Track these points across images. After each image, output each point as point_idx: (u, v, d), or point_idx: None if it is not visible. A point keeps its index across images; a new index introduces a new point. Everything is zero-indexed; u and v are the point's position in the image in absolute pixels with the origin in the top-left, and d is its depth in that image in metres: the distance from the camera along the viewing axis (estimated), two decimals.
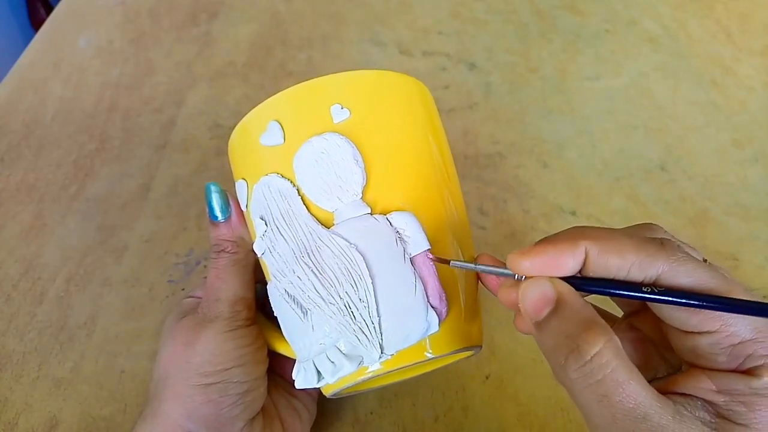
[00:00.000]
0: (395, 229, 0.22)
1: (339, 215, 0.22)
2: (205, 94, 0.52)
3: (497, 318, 0.36)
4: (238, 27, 0.59)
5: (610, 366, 0.17)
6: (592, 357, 0.17)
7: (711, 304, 0.18)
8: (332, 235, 0.22)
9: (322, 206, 0.23)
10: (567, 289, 0.19)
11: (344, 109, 0.23)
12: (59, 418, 0.32)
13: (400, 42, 0.57)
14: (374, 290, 0.22)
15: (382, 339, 0.22)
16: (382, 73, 0.25)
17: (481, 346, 0.25)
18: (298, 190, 0.23)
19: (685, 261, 0.18)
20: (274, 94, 0.24)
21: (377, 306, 0.22)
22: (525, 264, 0.20)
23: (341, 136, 0.23)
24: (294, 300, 0.23)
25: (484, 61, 0.55)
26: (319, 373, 0.23)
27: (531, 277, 0.20)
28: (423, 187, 0.24)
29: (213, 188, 0.27)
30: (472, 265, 0.22)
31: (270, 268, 0.23)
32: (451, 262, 0.22)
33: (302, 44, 0.57)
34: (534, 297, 0.19)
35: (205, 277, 0.29)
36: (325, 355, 0.23)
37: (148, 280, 0.38)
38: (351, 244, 0.22)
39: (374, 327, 0.22)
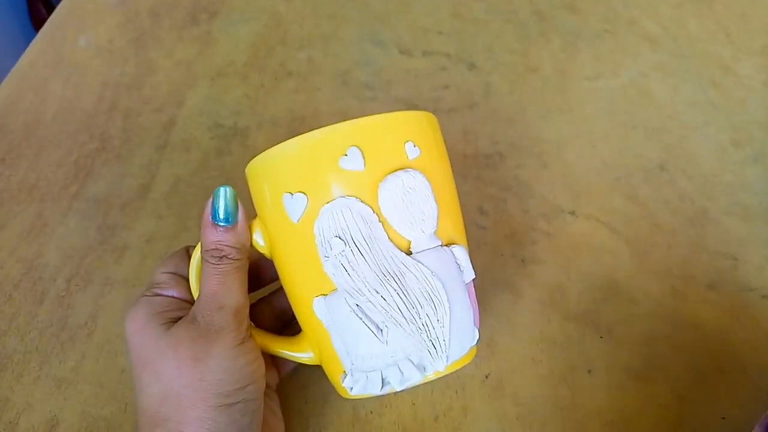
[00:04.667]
0: (456, 259, 0.26)
1: (417, 245, 0.25)
2: (205, 93, 0.52)
3: (497, 318, 0.36)
4: (238, 27, 0.59)
5: None
6: None
7: None
8: (417, 263, 0.25)
9: (404, 235, 0.25)
10: None
11: (416, 147, 0.25)
12: (60, 418, 0.32)
13: (400, 42, 0.57)
14: (450, 313, 0.25)
15: (448, 353, 0.25)
16: (428, 114, 0.27)
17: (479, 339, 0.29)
18: (378, 216, 0.24)
19: None
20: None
21: (450, 326, 0.25)
22: None
23: (422, 174, 0.25)
24: (366, 316, 0.25)
25: (484, 61, 0.55)
26: (382, 382, 0.25)
27: None
28: (459, 219, 0.28)
29: (226, 192, 0.26)
30: None
31: (342, 284, 0.25)
32: None
33: (302, 44, 0.57)
34: None
35: (168, 273, 0.28)
36: (397, 367, 0.25)
37: (149, 279, 0.38)
38: (433, 272, 0.25)
39: (445, 343, 0.25)
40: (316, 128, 0.25)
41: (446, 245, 0.26)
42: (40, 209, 0.43)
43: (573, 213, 0.42)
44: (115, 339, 0.35)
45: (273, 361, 0.31)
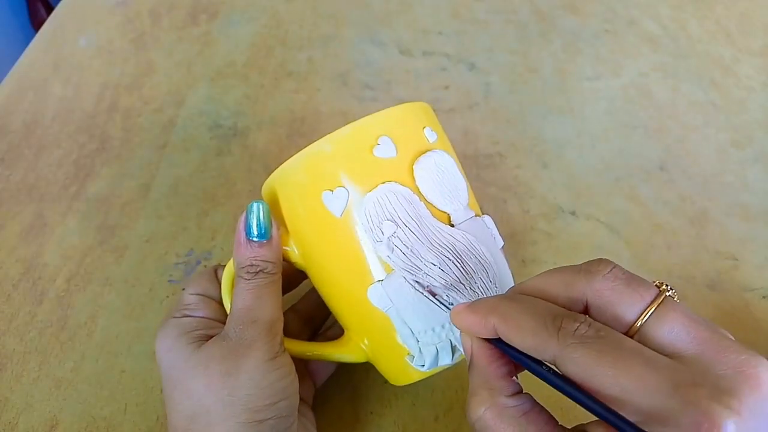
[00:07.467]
0: (488, 228, 0.28)
1: (456, 217, 0.27)
2: (205, 94, 0.52)
3: None
4: (238, 27, 0.59)
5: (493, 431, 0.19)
6: (475, 420, 0.20)
7: (592, 407, 0.18)
8: (463, 233, 0.26)
9: (444, 210, 0.27)
10: (478, 347, 0.21)
11: (433, 131, 0.28)
12: (59, 418, 0.32)
13: (400, 42, 0.57)
14: (498, 274, 0.27)
15: None
16: (426, 104, 0.29)
17: None
18: (418, 196, 0.26)
19: (574, 349, 0.18)
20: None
21: (500, 286, 0.27)
22: (455, 318, 0.22)
23: (448, 154, 0.27)
24: (426, 289, 0.26)
25: (484, 61, 0.55)
26: (452, 350, 0.27)
27: None
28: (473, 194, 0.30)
29: (260, 207, 0.26)
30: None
31: (399, 264, 0.26)
32: (431, 293, 0.26)
33: (302, 44, 0.57)
34: (464, 347, 0.22)
35: (196, 294, 0.28)
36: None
37: (149, 279, 0.38)
38: (477, 239, 0.27)
39: None
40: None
41: (477, 216, 0.28)
42: (40, 209, 0.43)
43: (573, 213, 0.42)
44: (114, 339, 0.35)
45: (308, 371, 0.31)
